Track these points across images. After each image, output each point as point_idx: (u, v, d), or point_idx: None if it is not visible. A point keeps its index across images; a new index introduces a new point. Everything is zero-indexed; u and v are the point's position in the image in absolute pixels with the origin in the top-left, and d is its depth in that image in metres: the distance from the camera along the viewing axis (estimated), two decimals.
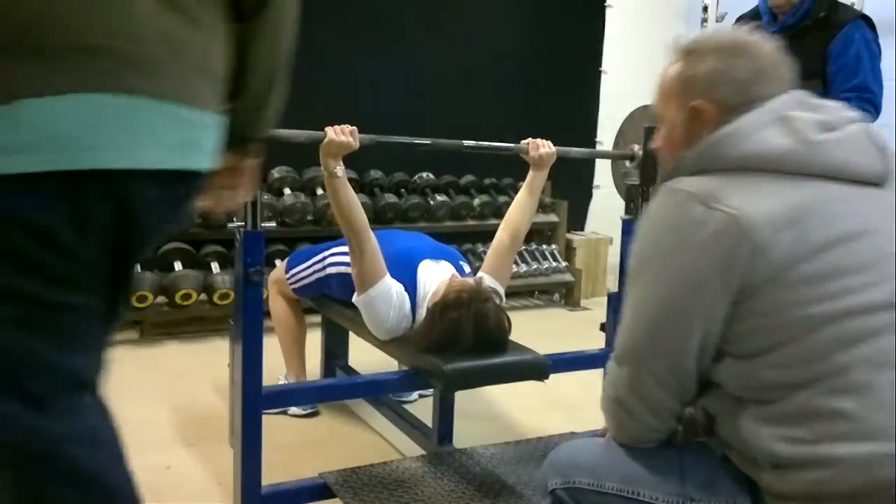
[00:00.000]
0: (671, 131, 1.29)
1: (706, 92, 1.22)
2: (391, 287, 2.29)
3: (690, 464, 1.22)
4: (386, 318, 2.29)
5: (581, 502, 1.29)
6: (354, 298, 2.33)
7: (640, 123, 2.54)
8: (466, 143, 2.38)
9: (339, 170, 2.15)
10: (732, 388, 1.16)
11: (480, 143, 2.42)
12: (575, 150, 2.62)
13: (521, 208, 2.56)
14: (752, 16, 3.16)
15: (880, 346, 1.06)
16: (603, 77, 5.49)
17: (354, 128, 2.13)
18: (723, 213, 1.10)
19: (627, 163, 2.54)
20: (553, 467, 1.34)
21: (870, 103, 2.84)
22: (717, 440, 1.23)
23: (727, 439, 1.19)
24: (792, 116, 1.16)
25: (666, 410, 1.23)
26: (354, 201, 2.22)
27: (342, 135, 2.10)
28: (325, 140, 2.10)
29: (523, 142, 2.51)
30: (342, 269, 2.57)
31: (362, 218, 2.24)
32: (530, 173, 2.55)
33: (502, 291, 2.48)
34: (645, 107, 2.59)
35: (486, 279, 2.44)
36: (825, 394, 1.06)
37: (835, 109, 1.21)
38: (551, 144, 2.50)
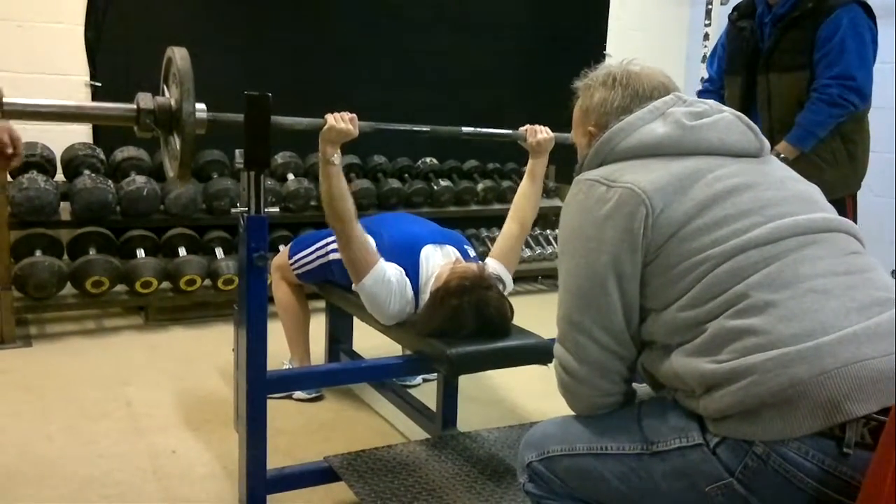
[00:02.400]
0: (581, 153, 1.51)
1: (597, 119, 1.46)
2: (385, 271, 2.29)
3: (647, 413, 1.33)
4: (386, 303, 2.29)
5: (556, 470, 1.39)
6: (354, 287, 2.34)
7: None
8: (465, 129, 2.39)
9: (337, 157, 2.16)
10: (660, 338, 1.30)
11: (478, 129, 2.45)
12: (573, 136, 2.60)
13: (525, 196, 2.56)
14: (747, 4, 3.13)
15: (771, 273, 1.21)
16: (607, 60, 5.46)
17: (354, 115, 2.14)
18: (621, 187, 1.30)
19: None
20: (528, 444, 1.45)
21: (852, 91, 2.78)
22: (665, 390, 1.35)
23: (668, 382, 1.31)
24: (669, 111, 1.38)
25: (611, 371, 1.35)
26: (346, 191, 2.23)
27: (342, 122, 2.11)
28: (325, 127, 2.11)
29: (521, 128, 2.51)
30: None
31: (351, 208, 2.24)
32: (530, 160, 2.56)
33: (510, 278, 2.48)
34: None
35: (494, 265, 2.45)
36: (733, 317, 1.20)
37: (707, 104, 1.42)
38: (549, 130, 2.51)
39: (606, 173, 1.35)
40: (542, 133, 2.51)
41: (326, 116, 2.12)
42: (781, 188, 1.34)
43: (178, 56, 1.79)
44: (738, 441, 1.18)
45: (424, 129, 2.33)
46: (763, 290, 1.20)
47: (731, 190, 1.30)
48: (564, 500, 1.40)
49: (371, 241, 2.33)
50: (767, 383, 1.14)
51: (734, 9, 3.22)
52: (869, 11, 2.85)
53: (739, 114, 1.42)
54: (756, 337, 1.17)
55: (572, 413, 1.44)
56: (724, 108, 1.43)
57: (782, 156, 2.87)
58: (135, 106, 1.82)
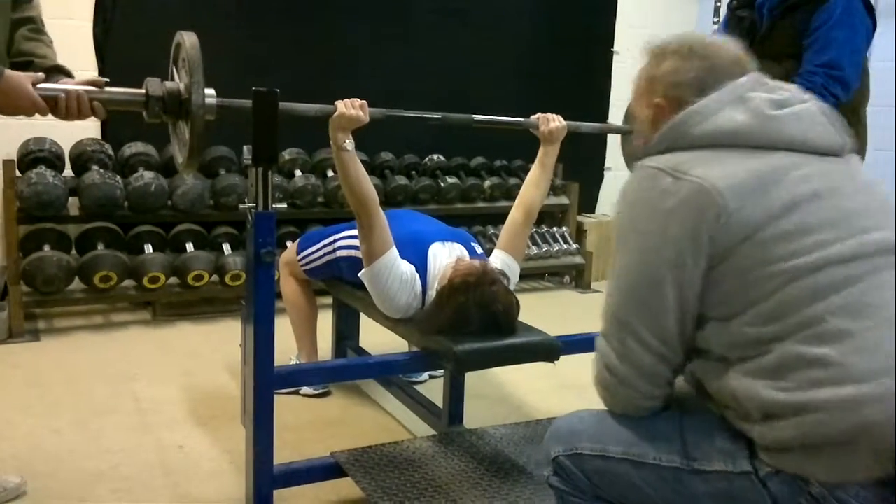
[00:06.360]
0: (642, 127, 1.39)
1: (666, 90, 1.33)
2: (395, 260, 2.29)
3: (690, 425, 1.25)
4: (392, 289, 2.28)
5: (584, 468, 1.31)
6: (361, 273, 2.34)
7: None
8: (476, 117, 2.39)
9: (349, 143, 2.15)
10: (718, 350, 1.21)
11: (489, 117, 2.44)
12: (585, 125, 2.60)
13: (534, 184, 2.54)
14: None
15: (852, 296, 1.11)
16: (615, 58, 5.45)
17: (364, 102, 2.12)
18: (689, 181, 1.19)
19: None
20: (555, 436, 1.37)
21: (837, 82, 2.69)
22: (713, 402, 1.26)
23: (720, 399, 1.23)
24: (749, 96, 1.25)
25: (656, 375, 1.27)
26: (364, 175, 2.21)
27: (352, 108, 2.10)
28: (336, 113, 2.09)
29: (533, 116, 2.49)
30: (352, 251, 2.58)
31: (372, 192, 2.23)
32: (541, 149, 2.53)
33: (517, 268, 2.48)
34: None
35: (500, 256, 2.45)
36: (804, 343, 1.11)
37: (789, 90, 1.30)
38: (561, 119, 2.48)
39: (674, 162, 1.23)
40: (554, 122, 2.48)
41: (336, 103, 2.10)
42: (867, 195, 1.23)
43: (188, 42, 1.74)
44: (793, 477, 1.11)
45: (436, 115, 2.31)
46: (841, 315, 1.10)
47: (813, 195, 1.18)
48: (590, 499, 1.34)
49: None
50: (836, 423, 1.06)
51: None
52: (867, 4, 2.80)
53: (822, 105, 1.31)
54: (828, 369, 1.08)
55: (600, 408, 1.37)
56: (807, 96, 1.31)
57: None
58: (144, 91, 1.79)
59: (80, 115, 1.78)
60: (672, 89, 1.31)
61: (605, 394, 1.33)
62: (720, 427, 1.22)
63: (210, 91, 1.77)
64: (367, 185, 2.22)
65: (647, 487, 1.26)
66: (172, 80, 1.87)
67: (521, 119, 2.51)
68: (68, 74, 1.97)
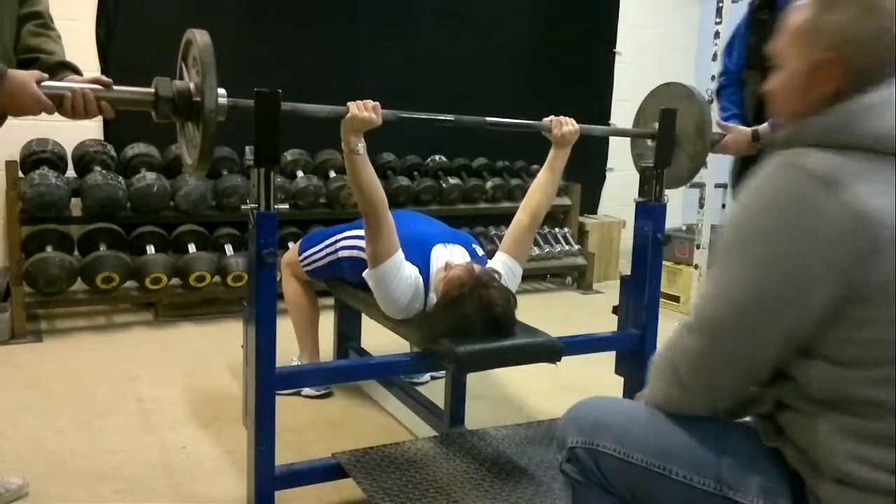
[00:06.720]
0: (789, 79, 1.15)
1: (832, 47, 1.08)
2: (401, 263, 2.29)
3: (733, 448, 1.15)
4: (395, 292, 2.28)
5: (601, 466, 1.23)
6: (365, 273, 2.34)
7: (661, 102, 2.49)
8: (489, 119, 2.34)
9: (361, 146, 2.11)
10: (818, 391, 1.07)
11: (502, 119, 2.39)
12: (598, 128, 2.57)
13: (541, 188, 2.53)
14: None
15: None
16: (617, 58, 5.45)
17: (377, 104, 2.08)
18: (847, 203, 0.99)
19: (649, 142, 2.51)
20: (576, 424, 1.28)
21: None
22: (771, 429, 1.15)
23: (791, 435, 1.11)
24: None
25: (725, 392, 1.15)
26: (374, 178, 2.20)
27: (365, 110, 2.05)
28: (348, 115, 2.05)
29: (546, 119, 2.45)
30: (354, 252, 2.58)
31: (381, 196, 2.22)
32: (552, 152, 2.50)
33: (520, 270, 2.48)
34: (667, 84, 2.54)
35: (503, 259, 2.45)
36: None
37: None
38: (574, 122, 2.45)
39: (828, 168, 1.01)
40: (567, 125, 2.42)
41: (349, 104, 2.06)
42: None
43: (200, 42, 1.69)
44: None
45: (448, 118, 2.27)
46: None
47: None
48: (602, 491, 1.26)
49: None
50: None
51: None
52: None
53: None
54: None
55: (629, 401, 1.28)
56: None
57: None
58: (153, 91, 1.74)
59: (87, 115, 1.74)
60: (841, 45, 1.07)
61: (658, 384, 1.21)
62: (765, 458, 1.13)
63: (222, 91, 1.74)
64: (378, 188, 2.21)
65: (666, 498, 1.18)
66: (180, 77, 1.85)
67: (534, 122, 2.46)
68: (76, 71, 1.96)
